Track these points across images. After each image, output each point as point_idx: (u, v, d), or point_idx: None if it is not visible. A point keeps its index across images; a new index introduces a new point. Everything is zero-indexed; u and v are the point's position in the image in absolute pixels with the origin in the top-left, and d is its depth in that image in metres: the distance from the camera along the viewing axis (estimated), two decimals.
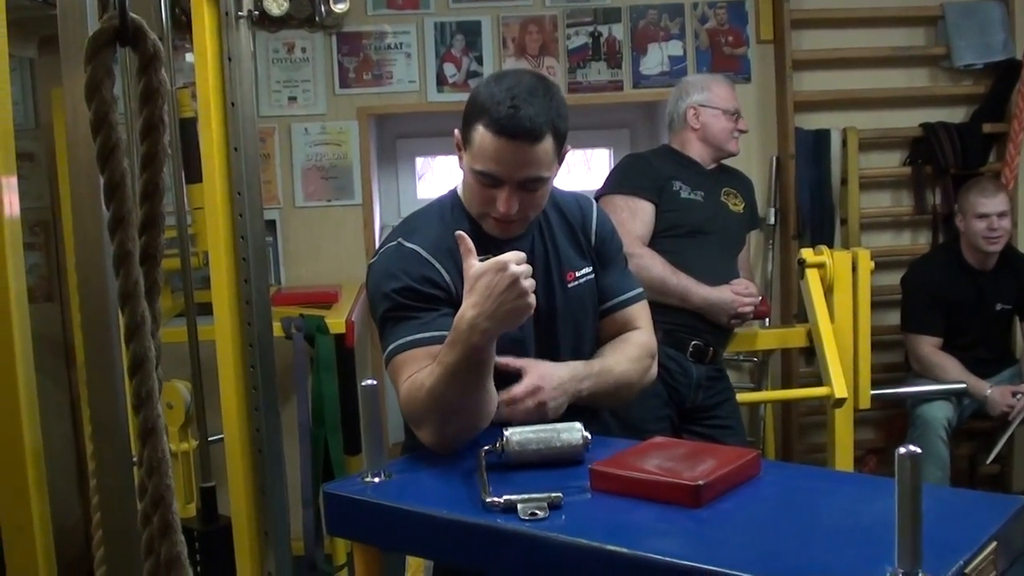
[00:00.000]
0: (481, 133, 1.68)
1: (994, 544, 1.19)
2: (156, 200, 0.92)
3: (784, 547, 1.23)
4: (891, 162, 4.01)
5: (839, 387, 2.99)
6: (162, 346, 0.93)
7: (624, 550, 1.22)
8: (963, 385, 3.45)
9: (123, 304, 0.90)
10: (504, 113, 1.65)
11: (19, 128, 2.32)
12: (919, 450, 1.09)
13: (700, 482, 1.34)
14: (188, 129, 2.80)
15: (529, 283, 1.54)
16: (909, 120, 3.95)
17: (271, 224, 3.71)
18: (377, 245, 2.22)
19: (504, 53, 3.87)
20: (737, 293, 2.93)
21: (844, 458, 3.13)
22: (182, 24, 2.96)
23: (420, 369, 1.64)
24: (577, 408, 1.77)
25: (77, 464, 3.37)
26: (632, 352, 1.86)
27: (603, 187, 3.04)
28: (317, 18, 3.71)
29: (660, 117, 3.64)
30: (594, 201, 1.98)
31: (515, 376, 1.72)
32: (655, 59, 3.91)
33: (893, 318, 3.76)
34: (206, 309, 2.37)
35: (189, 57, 3.22)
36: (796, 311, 3.82)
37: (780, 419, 4.03)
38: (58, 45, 1.07)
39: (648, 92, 3.92)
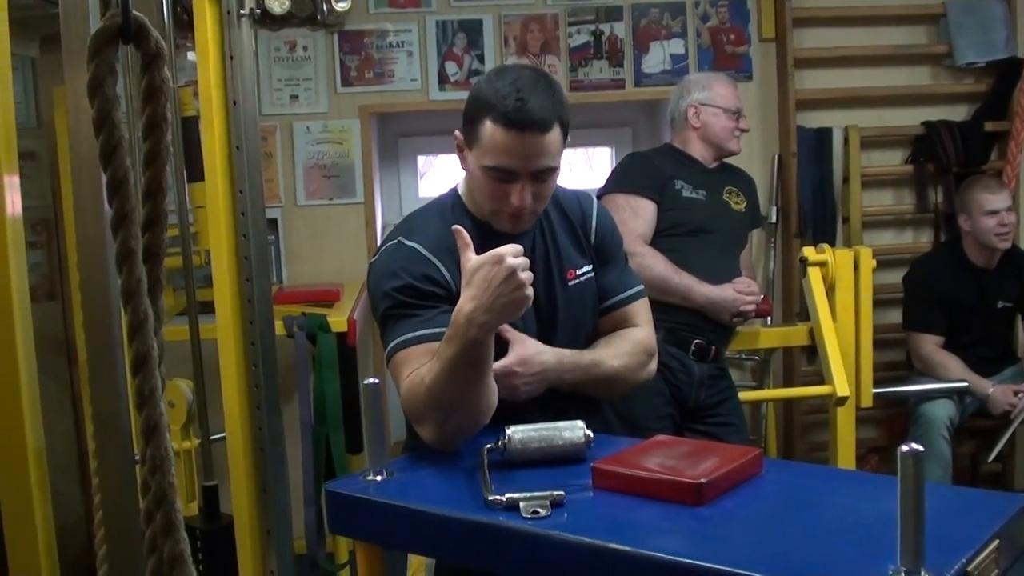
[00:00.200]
0: (490, 128, 1.68)
1: (996, 542, 1.19)
2: (159, 198, 0.92)
3: (786, 545, 1.23)
4: (893, 160, 4.01)
5: (841, 385, 2.99)
6: (164, 344, 0.93)
7: (626, 548, 1.22)
8: (965, 383, 3.45)
9: (126, 302, 0.90)
10: (512, 106, 1.65)
11: (21, 127, 2.31)
12: (921, 448, 1.09)
13: (702, 480, 1.34)
14: (190, 127, 2.81)
15: (527, 275, 1.53)
16: (911, 118, 3.95)
17: (273, 222, 3.70)
18: (378, 243, 2.22)
19: (506, 51, 3.86)
20: (739, 291, 2.92)
21: (846, 456, 3.13)
22: (184, 22, 2.96)
23: (421, 366, 1.64)
24: (580, 405, 1.77)
25: (79, 462, 3.37)
26: (626, 347, 1.85)
27: (605, 186, 3.04)
28: (319, 16, 3.69)
29: (662, 116, 3.64)
30: (595, 199, 1.98)
31: (503, 348, 1.72)
32: (657, 57, 3.91)
33: (895, 316, 3.76)
34: (208, 308, 2.37)
35: (191, 55, 3.21)
36: (798, 309, 3.82)
37: (782, 417, 4.03)
38: (60, 44, 1.07)
39: (650, 91, 3.92)
